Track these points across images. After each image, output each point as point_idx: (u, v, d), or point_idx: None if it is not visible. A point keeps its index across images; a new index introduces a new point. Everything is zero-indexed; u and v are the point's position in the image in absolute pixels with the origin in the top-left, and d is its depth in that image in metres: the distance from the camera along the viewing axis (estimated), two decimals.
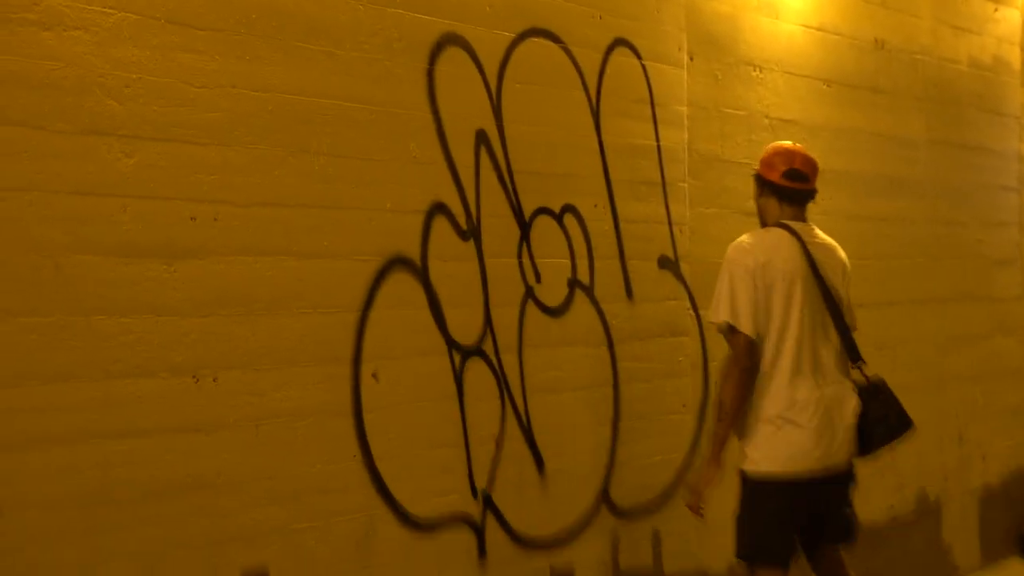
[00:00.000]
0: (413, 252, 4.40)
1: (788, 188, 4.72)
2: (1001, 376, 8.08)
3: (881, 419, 4.74)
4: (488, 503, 4.66)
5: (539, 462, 4.83)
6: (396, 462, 4.32)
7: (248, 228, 3.89)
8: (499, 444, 4.70)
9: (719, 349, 5.66)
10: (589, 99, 5.10)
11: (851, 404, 4.68)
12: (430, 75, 4.46)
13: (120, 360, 3.56)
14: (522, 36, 4.82)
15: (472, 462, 4.60)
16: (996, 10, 7.99)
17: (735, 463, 4.68)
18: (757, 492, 4.61)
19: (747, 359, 4.54)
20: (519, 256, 4.80)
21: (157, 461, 3.66)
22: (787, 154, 4.80)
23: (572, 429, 5.03)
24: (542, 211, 4.90)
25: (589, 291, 5.13)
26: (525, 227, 4.82)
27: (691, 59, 5.66)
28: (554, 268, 4.93)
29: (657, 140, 5.44)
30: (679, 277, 5.60)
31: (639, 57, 5.37)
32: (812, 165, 4.80)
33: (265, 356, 3.93)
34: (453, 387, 4.53)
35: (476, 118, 4.65)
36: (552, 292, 4.93)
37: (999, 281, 8.05)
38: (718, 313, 4.57)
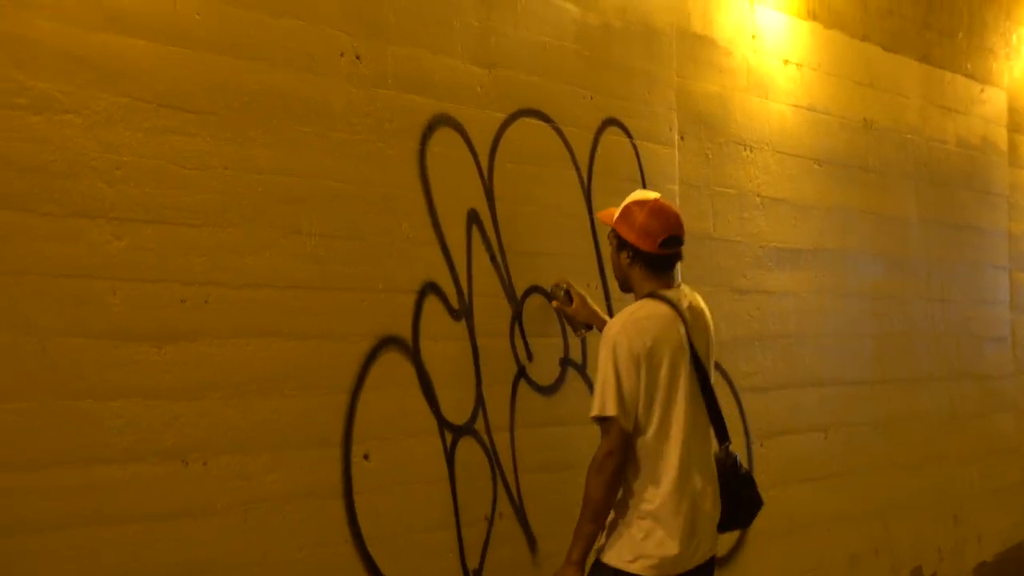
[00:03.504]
0: (405, 332, 4.36)
1: (663, 257, 4.31)
2: (997, 455, 8.05)
3: (744, 502, 4.47)
4: None
5: (531, 542, 4.77)
6: (388, 544, 4.25)
7: (239, 310, 3.85)
8: (491, 524, 4.64)
9: None
10: (580, 178, 5.09)
11: (715, 496, 4.33)
12: (422, 155, 4.44)
13: (108, 445, 3.50)
14: (513, 116, 4.82)
15: (464, 543, 4.53)
16: (982, 91, 8.04)
17: None
18: None
19: (622, 454, 4.14)
20: (511, 335, 4.77)
21: (145, 548, 3.59)
22: (664, 218, 4.30)
23: (565, 508, 4.92)
24: (534, 290, 4.86)
25: (581, 370, 5.08)
26: (518, 307, 4.79)
27: (682, 138, 5.67)
28: (546, 347, 4.89)
29: None
30: None
31: (630, 136, 5.37)
32: (682, 226, 4.38)
33: (255, 439, 3.88)
34: (444, 467, 4.48)
35: (468, 198, 4.63)
36: (544, 371, 4.88)
37: (991, 359, 8.04)
38: (605, 407, 4.11)
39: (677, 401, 4.18)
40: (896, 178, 7.17)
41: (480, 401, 4.63)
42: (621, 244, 4.34)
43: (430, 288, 4.45)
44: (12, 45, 3.38)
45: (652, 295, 4.27)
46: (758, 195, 6.11)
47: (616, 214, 4.35)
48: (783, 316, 6.25)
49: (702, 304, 4.43)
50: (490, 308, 4.68)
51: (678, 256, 4.37)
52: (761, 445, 6.06)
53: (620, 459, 4.14)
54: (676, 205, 5.55)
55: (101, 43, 3.56)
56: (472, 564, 4.56)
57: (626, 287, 4.42)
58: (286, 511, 3.96)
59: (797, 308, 6.35)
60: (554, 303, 4.78)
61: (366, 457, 4.20)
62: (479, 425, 4.62)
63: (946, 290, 7.60)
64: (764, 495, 5.92)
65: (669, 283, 4.33)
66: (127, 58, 3.61)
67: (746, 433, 5.95)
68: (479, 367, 4.63)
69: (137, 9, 3.66)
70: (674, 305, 4.24)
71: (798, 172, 6.39)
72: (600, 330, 4.41)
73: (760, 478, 5.95)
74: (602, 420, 4.16)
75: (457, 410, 4.54)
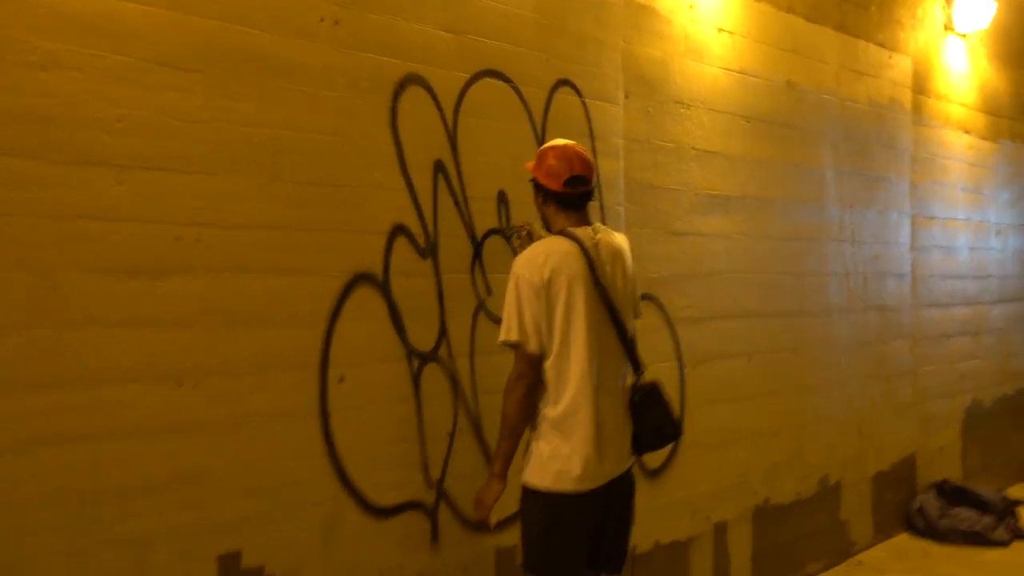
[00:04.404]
0: (376, 269, 4.31)
1: (569, 195, 4.20)
2: (895, 377, 8.11)
3: (654, 428, 4.29)
4: (441, 492, 4.58)
5: (487, 454, 4.74)
6: (359, 457, 4.23)
7: (228, 248, 3.79)
8: (452, 440, 4.61)
9: (643, 344, 5.63)
10: (535, 132, 5.03)
11: (624, 418, 4.23)
12: (393, 111, 4.37)
13: (109, 367, 3.47)
14: (476, 76, 4.74)
15: (427, 456, 4.52)
16: (890, 57, 8.00)
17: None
18: (531, 504, 4.14)
19: (532, 375, 4.07)
20: (472, 272, 4.72)
21: (144, 459, 3.57)
22: (567, 160, 4.20)
23: None
24: (493, 232, 4.81)
25: None
26: (478, 246, 4.74)
27: (627, 97, 5.60)
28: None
29: (596, 169, 5.37)
30: None
31: (580, 95, 5.30)
32: (589, 166, 4.24)
33: (242, 363, 3.84)
34: (411, 389, 4.44)
35: (434, 149, 4.56)
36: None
37: (893, 293, 8.07)
38: (508, 333, 4.06)
39: (575, 329, 4.07)
40: (814, 134, 7.13)
41: (444, 331, 4.59)
42: (536, 186, 4.29)
43: (399, 230, 4.39)
44: (23, 8, 3.33)
45: (560, 232, 4.19)
46: (693, 148, 6.07)
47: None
48: (714, 255, 6.23)
49: (619, 242, 4.30)
50: (453, 248, 4.63)
51: (586, 195, 4.25)
52: (693, 369, 6.05)
53: (529, 381, 4.08)
54: (621, 157, 5.53)
55: (104, 7, 3.50)
56: (435, 475, 4.54)
57: (546, 227, 4.33)
58: (269, 427, 3.93)
59: (726, 249, 6.33)
60: (516, 241, 4.71)
61: (341, 380, 4.16)
62: (443, 352, 4.58)
63: (856, 232, 7.60)
64: (695, 413, 6.01)
65: (581, 222, 4.23)
66: (127, 21, 3.54)
67: (679, 358, 5.95)
68: (443, 300, 4.59)
69: None
70: (578, 241, 4.13)
71: (729, 128, 6.35)
72: None
73: (691, 398, 6.02)
74: (511, 346, 4.10)
75: (423, 338, 4.50)
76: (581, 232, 4.17)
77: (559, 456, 4.07)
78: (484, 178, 4.77)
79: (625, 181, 5.58)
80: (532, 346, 4.06)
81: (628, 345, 4.26)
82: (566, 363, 4.08)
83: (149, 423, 3.58)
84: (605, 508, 4.19)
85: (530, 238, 4.57)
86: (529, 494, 4.15)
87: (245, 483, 3.86)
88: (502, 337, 4.11)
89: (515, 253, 4.68)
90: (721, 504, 6.29)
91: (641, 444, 4.32)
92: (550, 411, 4.10)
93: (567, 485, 4.07)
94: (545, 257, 4.08)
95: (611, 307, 4.17)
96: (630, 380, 4.31)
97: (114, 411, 3.49)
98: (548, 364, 4.09)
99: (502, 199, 4.84)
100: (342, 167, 4.18)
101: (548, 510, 4.09)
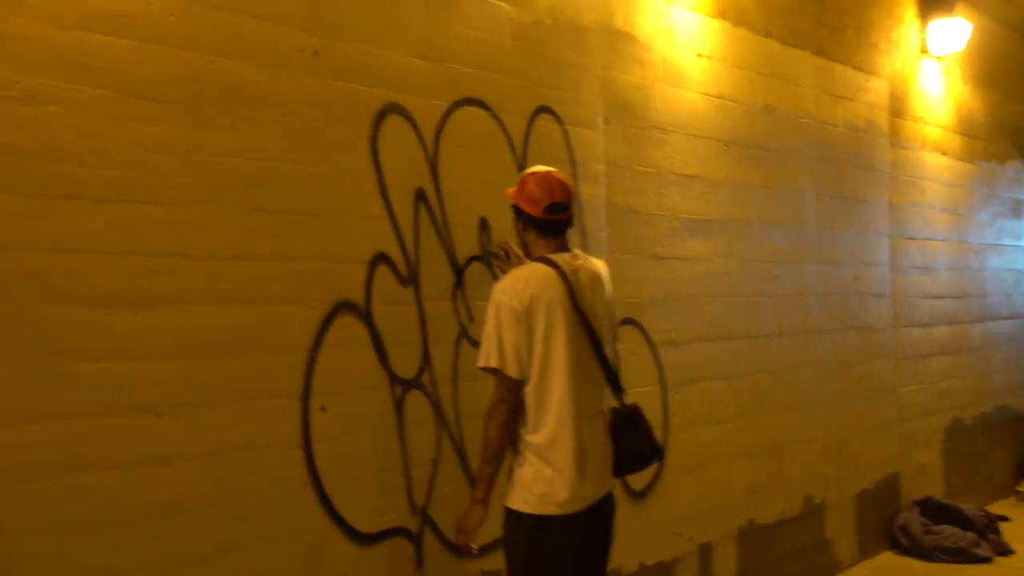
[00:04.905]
0: (358, 297, 4.25)
1: (550, 221, 4.16)
2: (876, 396, 8.06)
3: (635, 450, 4.26)
4: (426, 518, 4.51)
5: (471, 480, 4.67)
6: (343, 486, 4.16)
7: (205, 279, 3.73)
8: (436, 465, 4.55)
9: (625, 368, 5.57)
10: (516, 159, 4.98)
11: (605, 441, 4.18)
12: (373, 140, 4.32)
13: (88, 401, 3.40)
14: (456, 105, 4.69)
15: (412, 483, 4.45)
16: (867, 80, 7.99)
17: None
18: (515, 527, 4.08)
19: (512, 399, 4.03)
20: (454, 299, 4.66)
21: (123, 491, 3.49)
22: (548, 187, 4.15)
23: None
24: (474, 259, 4.76)
25: None
26: (459, 274, 4.68)
27: (606, 123, 5.56)
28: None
29: (578, 194, 5.32)
30: None
31: (560, 122, 5.26)
32: (569, 193, 4.20)
33: (222, 394, 3.77)
34: (394, 417, 4.38)
35: (415, 177, 4.50)
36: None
37: (873, 313, 8.04)
38: (488, 358, 4.03)
39: (555, 354, 4.02)
40: (793, 157, 7.11)
41: (426, 358, 4.53)
42: (517, 212, 4.26)
43: (381, 258, 4.34)
44: (4, 44, 3.27)
45: (540, 258, 4.15)
46: (673, 173, 6.03)
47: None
48: (695, 279, 6.19)
49: (598, 268, 4.26)
50: (435, 275, 4.57)
51: (566, 222, 4.22)
52: (676, 391, 6.00)
53: (510, 405, 4.04)
54: (602, 183, 5.49)
55: (83, 41, 3.45)
56: (419, 501, 4.48)
57: (527, 253, 4.30)
58: (251, 458, 3.85)
59: (707, 272, 6.29)
60: (495, 261, 4.69)
61: (323, 409, 4.09)
62: (425, 379, 4.52)
63: (836, 254, 7.57)
64: (678, 435, 5.96)
65: (561, 248, 4.20)
66: (103, 53, 3.49)
67: (662, 381, 5.90)
68: (425, 328, 4.52)
69: (115, 10, 3.54)
70: (558, 267, 4.09)
71: (708, 152, 6.31)
72: None
73: (674, 420, 5.97)
74: (491, 371, 4.06)
75: (406, 366, 4.44)
76: (560, 258, 4.14)
77: (542, 479, 4.02)
78: (465, 205, 4.71)
79: (606, 206, 5.54)
80: (512, 371, 4.02)
81: (608, 369, 4.21)
82: (546, 388, 4.04)
83: (129, 455, 3.50)
84: (587, 531, 4.14)
85: (507, 257, 4.55)
86: (513, 518, 4.09)
87: (228, 513, 3.78)
88: (481, 363, 4.07)
89: (495, 277, 4.64)
90: (705, 525, 6.23)
91: (622, 466, 4.28)
92: (532, 437, 4.06)
93: (551, 508, 4.02)
94: (525, 283, 4.05)
95: (591, 332, 4.13)
96: (611, 404, 4.26)
97: (92, 444, 3.41)
98: (528, 389, 4.05)
99: (483, 226, 4.79)
100: (322, 196, 4.12)
101: (532, 534, 4.03)
